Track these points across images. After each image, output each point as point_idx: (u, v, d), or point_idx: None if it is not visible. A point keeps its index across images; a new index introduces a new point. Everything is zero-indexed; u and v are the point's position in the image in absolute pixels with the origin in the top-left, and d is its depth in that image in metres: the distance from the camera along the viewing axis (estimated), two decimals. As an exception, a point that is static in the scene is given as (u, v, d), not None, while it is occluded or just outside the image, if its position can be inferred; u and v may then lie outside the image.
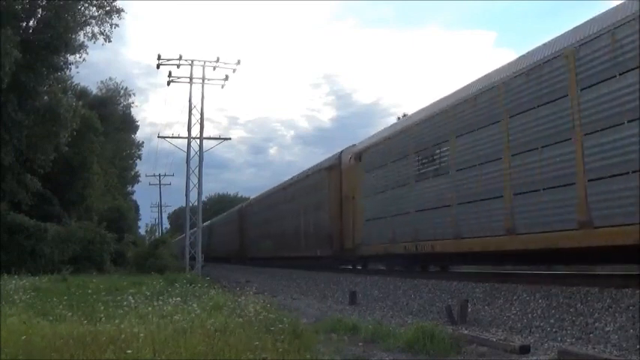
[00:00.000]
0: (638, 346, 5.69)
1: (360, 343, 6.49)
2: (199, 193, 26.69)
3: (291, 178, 24.51)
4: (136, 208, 62.21)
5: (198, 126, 26.24)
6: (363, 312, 10.24)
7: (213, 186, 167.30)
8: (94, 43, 27.28)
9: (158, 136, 29.19)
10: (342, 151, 17.87)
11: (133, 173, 56.02)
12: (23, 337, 5.39)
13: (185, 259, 25.95)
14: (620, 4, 7.61)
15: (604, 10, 7.91)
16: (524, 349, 5.83)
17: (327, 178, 18.42)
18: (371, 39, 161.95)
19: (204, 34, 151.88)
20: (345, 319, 7.91)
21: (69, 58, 27.08)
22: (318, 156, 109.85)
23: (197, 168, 26.43)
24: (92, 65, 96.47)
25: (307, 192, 20.84)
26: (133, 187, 58.71)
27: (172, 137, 27.85)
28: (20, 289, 11.33)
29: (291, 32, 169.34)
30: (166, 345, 5.12)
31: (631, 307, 6.39)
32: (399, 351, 6.17)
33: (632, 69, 6.92)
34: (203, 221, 28.98)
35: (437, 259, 12.79)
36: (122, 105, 46.51)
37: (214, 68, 26.37)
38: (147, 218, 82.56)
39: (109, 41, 27.40)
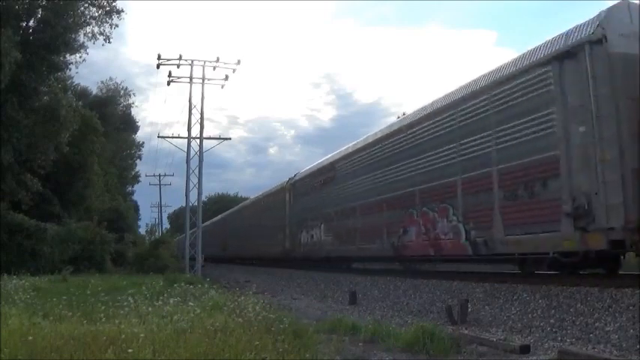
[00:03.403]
0: (638, 346, 5.69)
1: (360, 343, 6.48)
2: (199, 193, 26.63)
3: (258, 195, 30.49)
4: (136, 208, 62.18)
5: (198, 126, 26.21)
6: (363, 312, 10.23)
7: (213, 186, 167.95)
8: (94, 43, 27.27)
9: (158, 136, 29.13)
10: (290, 177, 23.28)
11: (133, 173, 55.98)
12: (23, 338, 5.38)
13: (185, 259, 25.91)
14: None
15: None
16: (524, 349, 5.83)
17: (279, 197, 23.84)
18: (371, 38, 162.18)
19: (204, 34, 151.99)
20: (345, 319, 7.89)
21: (69, 58, 27.10)
22: (318, 156, 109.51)
23: (197, 168, 26.40)
24: (92, 65, 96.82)
25: (267, 207, 26.46)
26: (133, 187, 58.75)
27: (172, 137, 27.74)
28: (20, 289, 11.32)
29: (291, 32, 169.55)
30: (166, 345, 5.12)
31: (631, 307, 6.40)
32: (399, 351, 6.17)
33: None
34: (203, 222, 28.93)
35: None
36: (122, 105, 46.51)
37: (214, 68, 26.30)
38: (147, 218, 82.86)
39: (109, 41, 27.36)
